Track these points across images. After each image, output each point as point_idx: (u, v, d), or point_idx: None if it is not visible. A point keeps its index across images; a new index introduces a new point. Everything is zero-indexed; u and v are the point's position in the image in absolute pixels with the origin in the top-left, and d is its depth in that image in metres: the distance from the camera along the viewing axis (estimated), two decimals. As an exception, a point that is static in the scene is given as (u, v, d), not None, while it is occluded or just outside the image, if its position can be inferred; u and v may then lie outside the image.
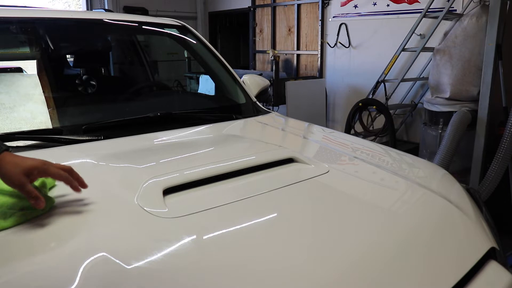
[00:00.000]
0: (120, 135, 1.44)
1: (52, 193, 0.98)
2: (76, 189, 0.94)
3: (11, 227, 0.84)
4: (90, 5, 6.28)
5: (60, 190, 1.01)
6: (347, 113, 4.14)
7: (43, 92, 1.57)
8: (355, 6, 4.91)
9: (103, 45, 2.32)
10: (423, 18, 3.75)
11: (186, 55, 5.60)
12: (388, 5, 4.58)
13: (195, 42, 2.18)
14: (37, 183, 0.94)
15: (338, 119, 5.37)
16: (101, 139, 1.39)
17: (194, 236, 0.87)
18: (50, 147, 1.29)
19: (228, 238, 0.89)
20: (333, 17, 5.21)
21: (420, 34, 4.15)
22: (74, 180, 0.94)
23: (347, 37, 5.07)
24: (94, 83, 2.10)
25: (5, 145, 0.89)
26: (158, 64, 5.47)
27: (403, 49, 3.91)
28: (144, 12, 6.20)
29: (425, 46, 3.69)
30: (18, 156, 0.89)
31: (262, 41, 6.40)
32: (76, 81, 2.11)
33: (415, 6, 4.33)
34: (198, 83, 5.00)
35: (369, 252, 0.91)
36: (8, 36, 1.73)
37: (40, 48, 1.77)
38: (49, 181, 1.01)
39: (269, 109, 2.08)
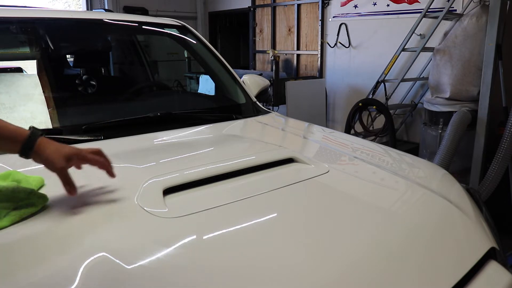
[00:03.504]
0: (120, 135, 1.44)
1: (48, 193, 0.98)
2: (111, 175, 1.00)
3: (7, 227, 0.84)
4: (90, 5, 6.28)
5: (60, 189, 1.02)
6: (347, 113, 4.14)
7: (43, 92, 1.57)
8: (355, 6, 4.91)
9: (103, 45, 2.32)
10: (423, 18, 3.75)
11: (186, 55, 5.60)
12: (388, 5, 4.58)
13: (195, 42, 2.18)
14: (25, 184, 0.95)
15: (338, 119, 5.37)
16: (101, 139, 1.39)
17: (194, 236, 0.87)
18: (50, 147, 1.29)
19: (228, 238, 0.89)
20: (333, 17, 5.21)
21: (420, 34, 4.15)
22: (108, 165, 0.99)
23: (347, 37, 5.07)
24: (94, 83, 2.10)
25: (39, 130, 0.92)
26: (158, 64, 5.47)
27: (403, 49, 3.91)
28: (144, 12, 6.20)
29: (425, 46, 3.68)
30: (54, 142, 0.93)
31: (262, 41, 6.40)
32: (76, 81, 2.11)
33: (415, 6, 4.33)
34: (198, 83, 5.00)
35: (369, 252, 0.91)
36: (8, 36, 1.73)
37: (40, 48, 1.77)
38: (36, 180, 1.00)
39: (269, 109, 2.08)
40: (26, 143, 0.89)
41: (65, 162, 0.91)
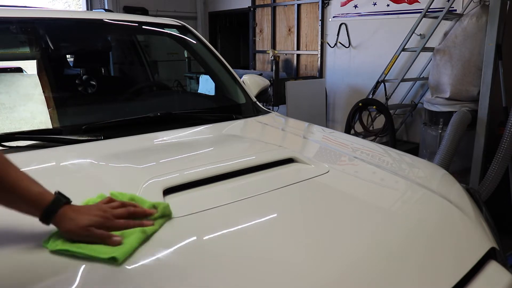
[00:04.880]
0: (120, 135, 1.44)
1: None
2: (147, 225, 0.87)
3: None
4: (90, 5, 6.28)
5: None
6: (347, 113, 4.14)
7: (43, 92, 1.57)
8: (355, 6, 4.91)
9: (103, 45, 2.32)
10: (423, 18, 3.75)
11: (186, 55, 5.60)
12: (388, 5, 4.58)
13: (195, 42, 2.18)
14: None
15: (338, 119, 5.37)
16: (101, 139, 1.39)
17: (194, 236, 0.87)
18: (50, 147, 1.29)
19: (228, 238, 0.89)
20: (333, 17, 5.21)
21: (420, 34, 4.15)
22: (141, 214, 0.89)
23: (347, 37, 5.07)
24: (94, 83, 2.10)
25: (64, 198, 0.84)
26: (158, 64, 5.47)
27: (403, 49, 3.91)
28: (144, 12, 6.20)
29: (425, 46, 3.68)
30: (77, 210, 0.83)
31: (262, 41, 6.40)
32: (76, 81, 2.11)
33: (415, 6, 4.33)
34: (198, 83, 5.00)
35: (369, 252, 0.91)
36: (8, 36, 1.73)
37: (40, 48, 1.77)
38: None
39: (269, 109, 2.08)
40: (46, 212, 0.80)
41: (86, 230, 0.80)
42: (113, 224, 0.84)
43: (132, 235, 0.81)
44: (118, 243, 0.79)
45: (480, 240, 1.10)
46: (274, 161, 1.24)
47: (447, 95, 3.43)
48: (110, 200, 0.91)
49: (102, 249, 0.77)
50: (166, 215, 0.90)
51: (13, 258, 0.76)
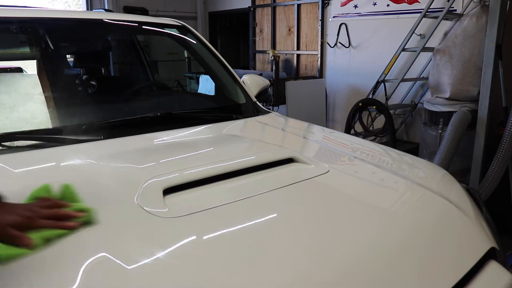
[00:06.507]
0: (120, 135, 1.44)
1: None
2: (68, 227, 0.84)
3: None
4: (90, 5, 6.28)
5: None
6: (347, 113, 4.14)
7: (43, 92, 1.57)
8: (355, 6, 4.91)
9: (103, 45, 2.32)
10: (423, 18, 3.75)
11: (186, 55, 5.60)
12: (388, 5, 4.58)
13: (195, 42, 2.18)
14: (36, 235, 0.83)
15: (338, 119, 5.37)
16: (101, 139, 1.39)
17: (194, 236, 0.87)
18: (50, 147, 1.30)
19: (228, 238, 0.89)
20: (333, 17, 5.21)
21: (420, 34, 4.15)
22: (66, 216, 0.86)
23: (347, 37, 5.07)
24: (94, 83, 2.10)
25: None
26: (158, 64, 5.46)
27: (403, 49, 3.91)
28: (144, 12, 6.20)
29: (425, 46, 3.69)
30: (1, 208, 0.80)
31: (262, 41, 6.40)
32: (76, 81, 2.11)
33: (415, 6, 4.33)
34: (198, 83, 5.00)
35: (369, 252, 0.91)
36: (8, 36, 1.73)
37: (40, 48, 1.77)
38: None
39: (269, 109, 2.08)
40: None
41: (2, 231, 0.76)
42: (36, 224, 0.81)
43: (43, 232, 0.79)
44: (27, 245, 0.76)
45: (480, 240, 1.10)
46: (274, 161, 1.24)
47: (447, 95, 3.43)
48: (44, 199, 0.88)
49: (11, 249, 0.74)
50: (90, 222, 0.87)
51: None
